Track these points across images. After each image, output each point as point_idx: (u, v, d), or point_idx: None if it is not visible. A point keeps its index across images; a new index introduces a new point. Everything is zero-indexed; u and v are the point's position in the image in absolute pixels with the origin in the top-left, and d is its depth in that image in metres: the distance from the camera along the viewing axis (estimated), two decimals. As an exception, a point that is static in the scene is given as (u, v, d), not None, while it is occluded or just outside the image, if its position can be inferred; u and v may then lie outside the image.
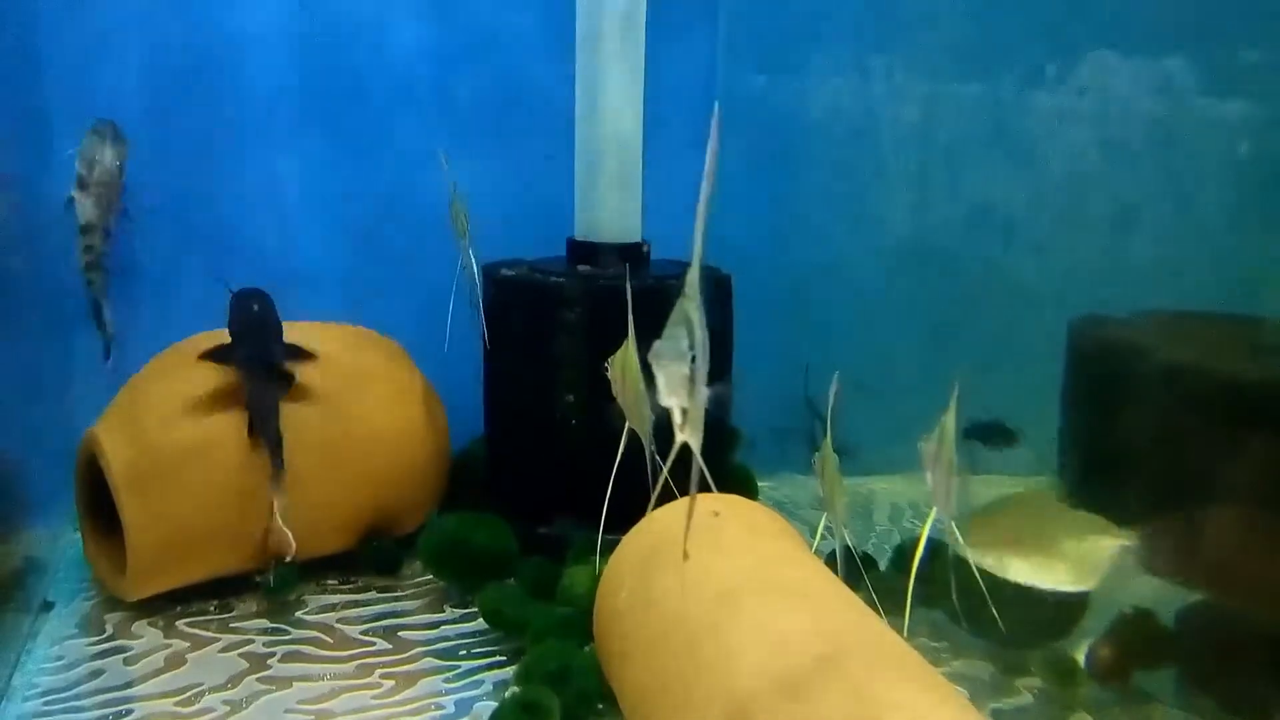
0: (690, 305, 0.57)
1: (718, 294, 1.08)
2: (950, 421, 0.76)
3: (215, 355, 0.99)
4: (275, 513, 0.94)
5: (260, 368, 0.98)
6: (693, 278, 0.57)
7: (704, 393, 0.58)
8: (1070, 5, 1.02)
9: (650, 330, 0.65)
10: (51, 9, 1.11)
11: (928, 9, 1.12)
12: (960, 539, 0.79)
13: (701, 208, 0.57)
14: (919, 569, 0.97)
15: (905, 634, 0.79)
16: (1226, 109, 0.85)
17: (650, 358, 0.57)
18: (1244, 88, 0.85)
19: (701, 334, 0.57)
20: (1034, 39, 1.05)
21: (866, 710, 0.52)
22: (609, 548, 0.82)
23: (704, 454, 0.59)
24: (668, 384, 0.57)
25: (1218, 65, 0.87)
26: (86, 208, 1.08)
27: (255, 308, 1.02)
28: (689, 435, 0.59)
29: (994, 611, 0.85)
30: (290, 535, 0.94)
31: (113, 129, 1.09)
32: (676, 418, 0.59)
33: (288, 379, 1.00)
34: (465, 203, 1.06)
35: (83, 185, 1.08)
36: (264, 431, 0.95)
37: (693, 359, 0.56)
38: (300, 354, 1.02)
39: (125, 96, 1.14)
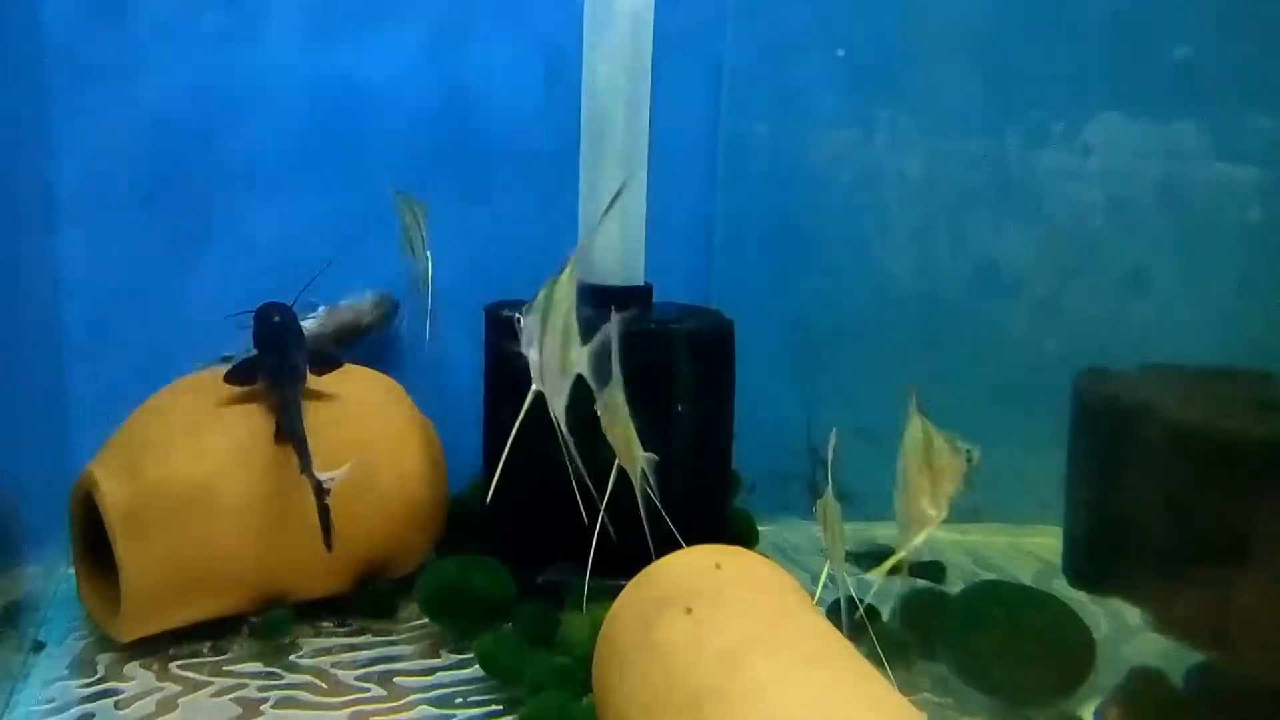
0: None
1: (721, 340, 1.08)
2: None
3: (239, 372, 1.00)
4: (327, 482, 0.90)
5: (285, 374, 0.98)
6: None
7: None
8: (1075, 65, 1.03)
9: (652, 373, 0.65)
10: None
11: (932, 63, 1.13)
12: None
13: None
14: (923, 621, 0.96)
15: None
16: (1236, 174, 0.86)
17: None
18: (1253, 153, 0.85)
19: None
20: (1040, 97, 1.06)
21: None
22: (608, 592, 0.81)
23: (704, 501, 0.58)
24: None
25: (1226, 130, 0.88)
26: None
27: (277, 318, 1.04)
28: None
29: (1000, 667, 0.84)
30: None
31: None
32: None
33: (304, 378, 1.01)
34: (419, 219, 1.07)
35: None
36: (291, 433, 0.94)
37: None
38: (328, 360, 1.05)
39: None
